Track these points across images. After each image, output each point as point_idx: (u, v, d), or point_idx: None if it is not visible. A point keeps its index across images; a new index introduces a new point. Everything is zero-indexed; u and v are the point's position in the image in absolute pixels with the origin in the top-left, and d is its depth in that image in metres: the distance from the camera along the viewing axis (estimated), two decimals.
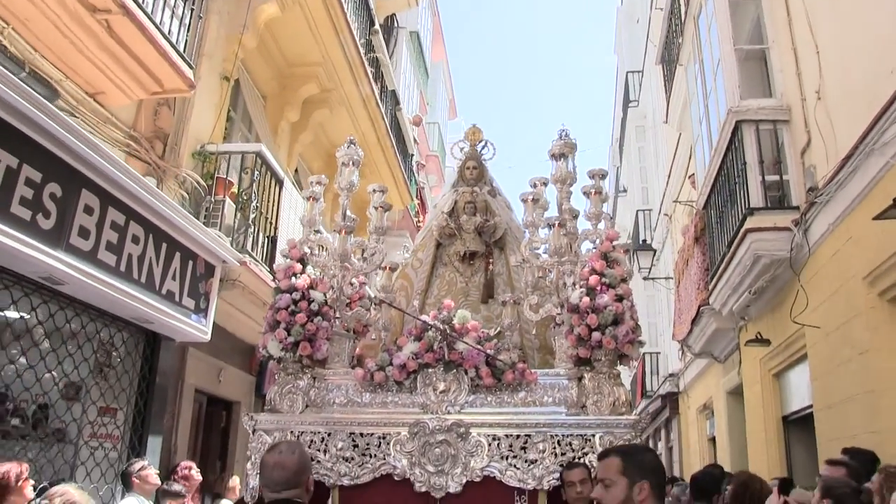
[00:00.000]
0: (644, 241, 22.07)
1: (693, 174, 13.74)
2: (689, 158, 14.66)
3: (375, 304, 6.16)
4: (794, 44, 8.97)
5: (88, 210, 6.21)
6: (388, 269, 6.42)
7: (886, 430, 6.43)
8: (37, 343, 6.55)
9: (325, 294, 5.75)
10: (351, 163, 6.21)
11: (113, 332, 7.55)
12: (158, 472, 6.86)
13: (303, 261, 5.88)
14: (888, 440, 6.30)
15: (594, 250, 5.63)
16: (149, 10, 7.03)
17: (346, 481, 5.26)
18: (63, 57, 6.88)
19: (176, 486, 6.91)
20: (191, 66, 7.78)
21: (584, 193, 5.96)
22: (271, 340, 5.59)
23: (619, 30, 31.20)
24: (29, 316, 6.44)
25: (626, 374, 29.29)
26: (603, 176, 6.03)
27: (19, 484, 4.65)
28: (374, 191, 6.34)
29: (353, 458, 5.32)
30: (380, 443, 5.34)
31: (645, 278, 20.70)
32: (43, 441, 6.86)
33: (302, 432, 5.43)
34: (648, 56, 21.66)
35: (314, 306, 5.61)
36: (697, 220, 12.16)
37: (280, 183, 9.80)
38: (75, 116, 6.92)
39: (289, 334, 5.53)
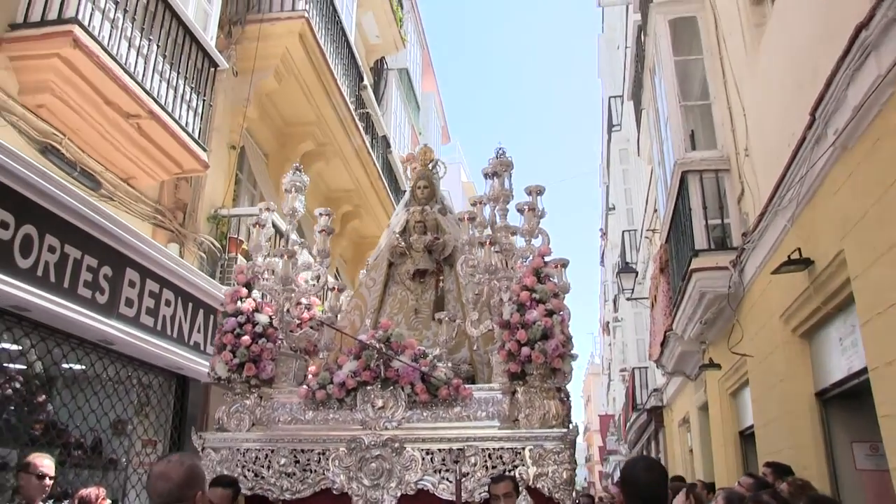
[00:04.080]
0: (627, 263, 22.81)
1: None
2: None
3: (318, 326, 6.38)
4: (728, 103, 9.91)
5: (132, 284, 7.63)
6: (336, 290, 6.74)
7: (800, 447, 7.38)
8: (94, 389, 7.96)
9: (269, 316, 5.97)
10: (293, 189, 6.54)
11: (151, 377, 8.97)
12: None
13: (249, 285, 6.14)
14: (802, 454, 7.28)
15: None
16: (169, 109, 8.36)
17: (287, 496, 5.49)
18: (103, 153, 8.23)
19: None
20: (205, 150, 9.09)
21: (519, 210, 6.09)
22: (219, 362, 5.83)
23: (601, 56, 31.86)
24: (88, 368, 7.83)
25: (620, 387, 30.19)
26: (540, 192, 6.14)
27: (98, 502, 5.81)
28: (320, 214, 6.64)
29: (294, 474, 5.53)
30: (319, 458, 5.55)
31: (628, 299, 21.57)
32: (100, 469, 8.21)
33: (247, 449, 5.66)
34: (627, 83, 21.64)
35: (258, 328, 5.85)
36: (662, 252, 13.15)
37: (282, 235, 11.05)
38: (113, 200, 8.26)
39: (234, 356, 5.76)
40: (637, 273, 21.40)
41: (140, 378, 8.83)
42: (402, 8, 20.90)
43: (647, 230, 18.20)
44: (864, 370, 5.76)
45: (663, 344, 13.75)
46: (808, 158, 6.41)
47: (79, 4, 7.10)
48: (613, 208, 29.65)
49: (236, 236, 10.56)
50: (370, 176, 15.70)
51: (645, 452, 25.80)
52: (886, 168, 4.97)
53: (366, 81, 15.94)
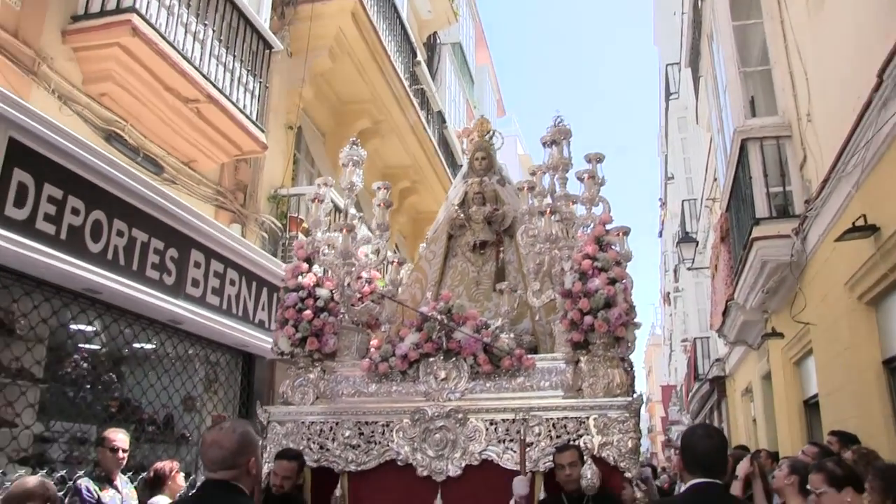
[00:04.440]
0: (687, 232, 22.52)
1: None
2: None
3: (379, 300, 6.34)
4: (790, 67, 9.78)
5: (197, 265, 7.83)
6: (396, 264, 6.72)
7: (867, 416, 7.31)
8: (164, 368, 8.28)
9: (330, 290, 5.96)
10: (351, 163, 6.41)
11: (218, 355, 9.26)
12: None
13: (309, 260, 6.11)
14: (868, 423, 7.18)
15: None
16: (227, 92, 8.50)
17: (353, 467, 5.52)
18: (165, 138, 8.42)
19: None
20: (262, 131, 9.22)
21: (578, 178, 5.96)
22: (281, 337, 5.86)
23: (657, 23, 31.48)
24: (158, 347, 8.13)
25: (681, 358, 29.96)
26: (599, 160, 5.97)
27: (173, 474, 6.06)
28: (377, 188, 6.58)
29: (359, 446, 5.55)
30: (383, 430, 5.55)
31: (689, 269, 21.40)
32: (172, 443, 8.50)
33: (312, 422, 5.69)
34: (684, 50, 21.06)
35: (320, 303, 5.85)
36: (723, 221, 13.06)
37: (340, 211, 11.19)
38: (175, 183, 8.42)
39: (297, 330, 5.78)
40: (697, 243, 21.15)
41: (208, 356, 9.12)
42: None
43: (708, 199, 18.00)
44: None
45: (725, 313, 13.65)
46: (874, 122, 6.30)
47: None
48: (672, 177, 29.29)
49: (296, 215, 10.70)
50: (426, 151, 15.81)
51: (707, 422, 25.65)
52: None
53: (419, 57, 15.98)
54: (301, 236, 10.43)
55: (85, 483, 5.43)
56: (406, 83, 14.04)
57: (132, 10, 7.16)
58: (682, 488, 3.99)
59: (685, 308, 27.76)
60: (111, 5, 7.35)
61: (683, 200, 24.73)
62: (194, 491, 3.33)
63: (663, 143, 32.46)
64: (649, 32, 47.47)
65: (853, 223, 6.78)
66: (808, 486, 4.78)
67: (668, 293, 36.07)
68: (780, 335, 10.81)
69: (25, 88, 6.66)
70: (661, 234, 39.47)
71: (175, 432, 8.65)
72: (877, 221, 6.56)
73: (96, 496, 5.39)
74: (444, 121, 18.03)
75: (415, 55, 15.59)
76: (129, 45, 7.28)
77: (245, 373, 9.70)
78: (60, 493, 6.06)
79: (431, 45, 20.20)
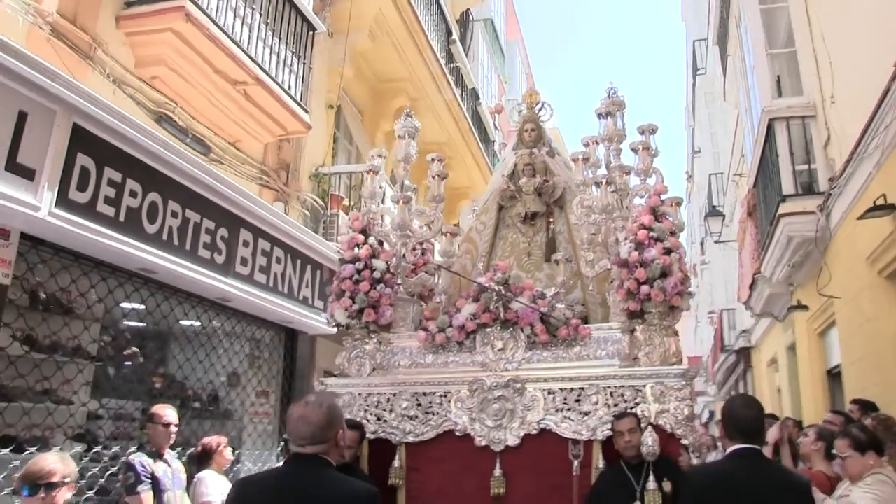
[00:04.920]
0: (714, 206, 22.65)
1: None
2: None
3: (435, 270, 6.38)
4: (814, 50, 10.08)
5: (245, 244, 8.14)
6: (450, 235, 6.60)
7: (886, 384, 7.65)
8: (213, 344, 8.63)
9: (387, 262, 5.93)
10: (407, 135, 6.31)
11: (263, 332, 9.58)
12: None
13: (365, 232, 6.07)
14: (888, 391, 7.54)
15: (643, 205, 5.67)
16: (273, 74, 8.85)
17: (410, 438, 5.52)
18: (212, 119, 8.79)
19: None
20: (307, 112, 9.57)
21: (633, 150, 5.96)
22: (338, 309, 5.87)
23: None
24: (206, 325, 8.48)
25: (707, 329, 30.08)
26: (653, 131, 5.98)
27: (220, 449, 6.43)
28: (432, 160, 6.49)
29: (416, 417, 5.56)
30: (441, 401, 5.55)
31: (716, 241, 21.56)
32: (218, 418, 8.86)
33: (369, 394, 5.70)
34: (711, 28, 21.19)
35: (376, 274, 5.83)
36: (750, 197, 13.28)
37: (384, 192, 11.56)
38: (222, 163, 8.80)
39: (353, 302, 5.77)
40: (724, 217, 21.21)
41: (253, 333, 9.42)
42: None
43: (735, 175, 18.16)
44: None
45: (752, 286, 13.90)
46: (893, 107, 6.59)
47: None
48: (700, 151, 29.44)
49: (337, 193, 11.06)
50: (461, 128, 16.14)
51: (733, 393, 25.91)
52: None
53: (454, 36, 16.26)
54: (342, 214, 10.82)
55: (139, 458, 5.65)
56: (442, 61, 14.34)
57: None
58: (723, 454, 4.31)
59: (712, 280, 28.00)
60: None
61: (710, 174, 24.83)
62: (283, 465, 3.37)
63: (690, 117, 32.57)
64: (677, 8, 47.23)
65: (874, 202, 7.08)
66: (834, 451, 5.15)
67: (695, 265, 36.17)
68: (805, 307, 11.12)
69: (82, 72, 6.97)
70: (688, 205, 39.55)
71: (220, 408, 9.00)
72: None
73: (150, 470, 5.62)
74: (477, 97, 18.32)
75: (450, 34, 15.89)
76: (182, 31, 7.59)
77: (288, 349, 10.01)
78: (115, 469, 6.46)
79: (464, 22, 20.45)
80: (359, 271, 5.85)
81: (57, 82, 5.63)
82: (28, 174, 5.49)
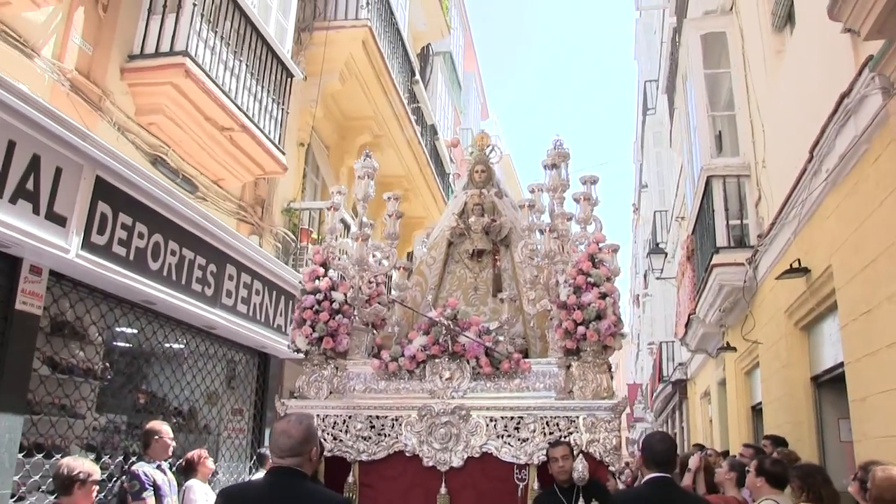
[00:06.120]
0: (658, 243, 23.67)
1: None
2: None
3: (389, 303, 6.75)
4: (751, 116, 10.89)
5: (230, 278, 8.98)
6: (402, 269, 7.12)
7: (797, 422, 8.58)
8: (198, 367, 9.43)
9: (345, 294, 6.28)
10: (366, 175, 6.64)
11: (238, 355, 10.41)
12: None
13: (325, 265, 6.45)
14: (798, 429, 8.49)
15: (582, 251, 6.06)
16: (256, 120, 9.63)
17: (364, 457, 5.88)
18: (199, 160, 9.55)
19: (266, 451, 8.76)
20: (283, 154, 10.34)
21: (575, 200, 6.31)
22: (298, 336, 6.20)
23: (637, 39, 32.22)
24: (191, 348, 9.26)
25: (648, 358, 30.91)
26: (594, 181, 6.34)
27: (202, 460, 7.38)
28: (388, 198, 6.90)
29: (370, 438, 5.91)
30: (393, 424, 5.91)
31: (657, 278, 22.48)
32: (196, 433, 9.56)
33: (326, 415, 6.03)
34: (662, 75, 22.16)
35: (335, 305, 6.17)
36: (689, 242, 14.18)
37: (345, 224, 12.32)
38: (206, 200, 9.56)
39: (314, 330, 6.10)
40: (666, 254, 22.20)
41: (232, 356, 10.30)
42: None
43: (678, 217, 19.07)
44: None
45: (687, 325, 14.84)
46: (807, 186, 7.52)
47: (188, 38, 8.29)
48: (646, 186, 29.99)
49: (307, 227, 11.84)
50: (419, 162, 16.94)
51: (669, 421, 26.83)
52: (861, 207, 6.13)
53: (417, 76, 17.06)
54: (310, 246, 11.52)
55: (141, 468, 6.26)
56: (405, 100, 15.14)
57: (186, 53, 8.19)
58: (642, 481, 5.16)
59: (653, 313, 28.77)
60: (164, 46, 8.34)
61: (656, 211, 25.64)
62: (264, 476, 3.71)
63: (639, 152, 33.20)
64: (630, 46, 48.12)
65: (791, 264, 8.01)
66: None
67: (638, 295, 37.21)
68: (734, 349, 12.15)
69: (93, 121, 7.69)
70: (634, 237, 40.63)
71: (198, 424, 9.70)
72: (808, 265, 7.81)
73: (152, 479, 6.24)
74: (436, 133, 19.10)
75: (413, 74, 16.67)
76: (181, 85, 8.33)
77: (261, 370, 10.86)
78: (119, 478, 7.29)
79: (424, 56, 21.13)
80: (319, 302, 6.23)
81: (87, 141, 6.44)
82: (61, 221, 6.30)
